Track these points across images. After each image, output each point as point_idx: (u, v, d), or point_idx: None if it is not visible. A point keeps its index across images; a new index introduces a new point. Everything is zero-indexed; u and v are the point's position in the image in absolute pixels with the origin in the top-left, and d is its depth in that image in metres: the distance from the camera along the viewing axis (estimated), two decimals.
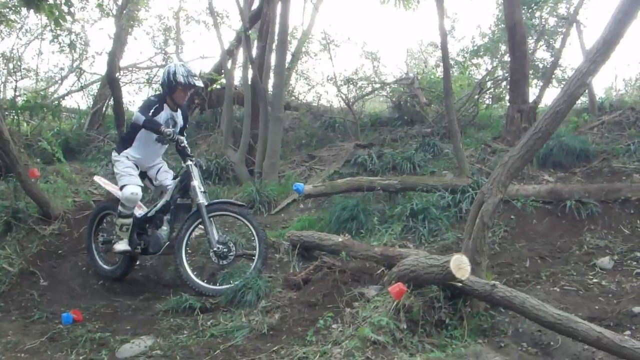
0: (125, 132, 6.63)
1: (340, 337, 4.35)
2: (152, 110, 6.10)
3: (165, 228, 6.36)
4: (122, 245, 6.36)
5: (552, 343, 4.37)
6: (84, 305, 6.09)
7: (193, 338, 4.90)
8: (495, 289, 4.34)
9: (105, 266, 6.78)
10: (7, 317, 5.92)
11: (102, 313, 5.94)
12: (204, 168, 6.75)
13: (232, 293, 5.56)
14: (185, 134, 6.64)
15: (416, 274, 4.58)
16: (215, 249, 5.96)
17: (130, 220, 6.35)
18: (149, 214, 6.47)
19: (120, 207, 6.26)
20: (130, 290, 6.56)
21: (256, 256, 5.93)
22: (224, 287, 5.81)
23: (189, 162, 6.15)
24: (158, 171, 6.61)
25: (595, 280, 5.61)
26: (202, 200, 6.00)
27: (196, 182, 6.08)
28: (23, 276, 6.75)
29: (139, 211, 6.56)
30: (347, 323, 4.58)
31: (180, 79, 6.14)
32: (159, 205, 6.42)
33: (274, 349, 4.41)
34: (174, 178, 6.47)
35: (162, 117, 6.24)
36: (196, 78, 6.31)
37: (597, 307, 4.97)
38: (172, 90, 6.24)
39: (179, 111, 6.48)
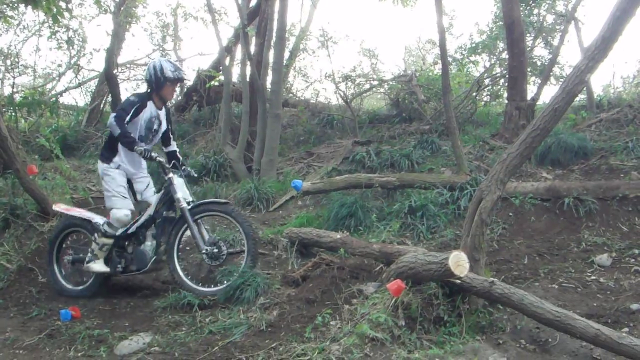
0: (107, 139, 6.26)
1: (338, 333, 4.36)
2: (130, 114, 5.83)
3: (149, 243, 6.14)
4: (99, 266, 6.11)
5: (550, 340, 4.37)
6: (82, 302, 6.08)
7: (191, 335, 4.90)
8: (493, 285, 4.35)
9: (69, 286, 6.48)
10: (5, 313, 5.92)
11: (100, 310, 5.95)
12: (193, 176, 6.53)
13: (229, 291, 5.56)
14: (172, 135, 6.49)
15: (415, 271, 4.59)
16: (204, 251, 5.87)
17: (112, 241, 6.14)
18: (130, 231, 6.18)
19: (106, 227, 6.05)
20: (129, 287, 6.55)
21: (245, 253, 5.88)
22: (217, 288, 5.79)
23: (170, 175, 5.96)
24: (146, 187, 6.35)
25: (593, 277, 5.62)
26: (184, 204, 5.86)
27: (179, 194, 5.90)
28: (21, 273, 6.76)
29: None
30: (345, 320, 4.58)
31: (169, 74, 5.94)
32: (141, 220, 6.18)
33: (273, 345, 4.41)
34: (158, 192, 6.29)
35: (144, 116, 6.01)
36: (182, 71, 6.17)
37: (595, 304, 4.98)
38: (160, 86, 6.01)
39: (164, 110, 6.27)
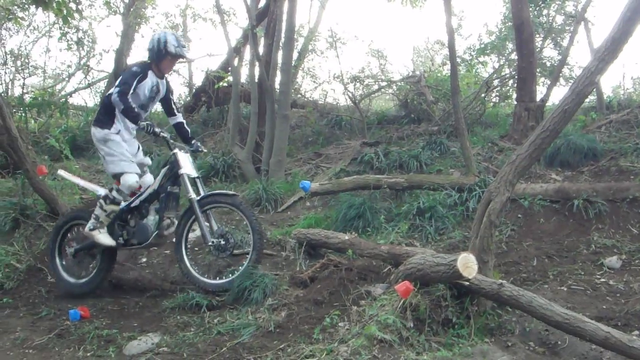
0: (104, 105, 6.16)
1: (346, 335, 4.35)
2: (133, 86, 5.83)
3: (152, 217, 6.15)
4: (105, 237, 6.08)
5: (559, 342, 4.35)
6: (91, 302, 6.11)
7: (200, 335, 4.91)
8: (502, 288, 4.33)
9: (71, 279, 6.46)
10: (15, 313, 5.96)
11: (109, 310, 5.97)
12: (201, 151, 6.61)
13: (237, 290, 5.57)
14: (175, 105, 6.51)
15: (423, 273, 4.58)
16: (210, 242, 5.84)
17: (119, 208, 6.11)
18: (133, 204, 6.18)
19: (114, 193, 5.99)
20: (137, 287, 6.57)
21: (251, 247, 5.87)
22: (224, 281, 5.81)
23: (175, 150, 5.99)
24: (137, 150, 6.34)
25: (603, 279, 5.59)
26: (193, 195, 5.86)
27: (184, 170, 5.92)
28: (31, 272, 6.80)
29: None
30: (353, 321, 4.58)
31: (171, 49, 5.94)
32: (145, 194, 6.17)
33: (281, 346, 4.41)
34: (163, 166, 6.27)
35: (147, 85, 6.03)
36: (185, 49, 6.16)
37: (604, 307, 4.95)
38: (160, 58, 6.03)
39: (164, 79, 6.28)
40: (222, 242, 5.87)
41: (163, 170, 6.16)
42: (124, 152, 6.02)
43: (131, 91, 5.82)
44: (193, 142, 6.43)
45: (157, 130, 5.85)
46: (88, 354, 4.74)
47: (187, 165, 5.99)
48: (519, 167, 4.86)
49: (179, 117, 6.54)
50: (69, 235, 6.66)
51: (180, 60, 6.32)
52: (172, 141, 6.08)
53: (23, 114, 11.87)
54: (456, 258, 4.26)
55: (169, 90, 6.43)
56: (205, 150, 6.86)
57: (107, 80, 16.00)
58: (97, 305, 6.05)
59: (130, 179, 5.95)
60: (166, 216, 6.13)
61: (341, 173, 9.55)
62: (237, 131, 11.15)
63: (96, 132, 6.08)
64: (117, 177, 6.03)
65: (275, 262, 6.49)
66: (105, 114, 6.07)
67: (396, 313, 4.37)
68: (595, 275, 5.71)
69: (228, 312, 5.36)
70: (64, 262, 6.56)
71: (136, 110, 5.83)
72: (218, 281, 5.86)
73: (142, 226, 6.15)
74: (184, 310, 5.61)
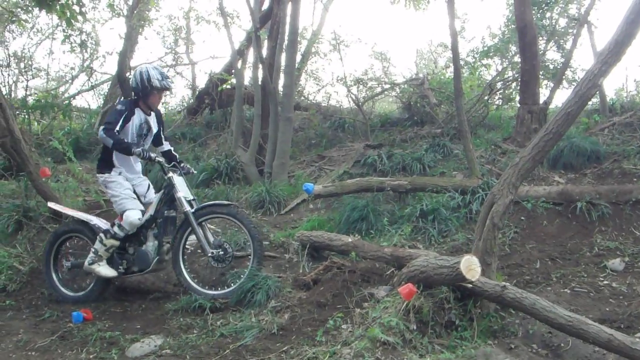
0: (102, 152, 6.21)
1: (349, 337, 4.36)
2: (119, 124, 5.83)
3: (151, 243, 6.13)
4: (105, 269, 6.06)
5: (562, 345, 4.35)
6: (94, 304, 6.11)
7: (203, 337, 4.91)
8: (505, 290, 4.33)
9: (69, 293, 6.44)
10: (18, 315, 5.97)
11: (112, 312, 5.97)
12: (192, 172, 6.65)
13: (241, 294, 5.58)
14: (163, 135, 6.49)
15: (426, 275, 4.58)
16: (210, 254, 5.88)
17: (119, 243, 6.09)
18: (130, 232, 6.12)
19: (116, 229, 5.98)
20: (140, 289, 6.58)
21: (251, 255, 5.89)
22: (224, 291, 5.82)
23: (170, 174, 6.00)
24: (147, 189, 6.35)
25: (606, 282, 5.59)
26: (187, 207, 5.88)
27: (181, 193, 5.93)
28: (34, 275, 6.80)
29: None
30: (356, 323, 4.58)
31: (156, 83, 5.93)
32: (142, 220, 6.13)
33: (284, 349, 4.42)
34: (158, 191, 6.28)
35: (134, 123, 6.03)
36: (169, 80, 6.17)
37: (608, 309, 4.95)
38: (147, 94, 6.01)
39: (153, 114, 6.27)
40: (221, 253, 5.89)
41: (158, 195, 6.17)
42: (125, 191, 6.03)
43: (117, 128, 5.82)
44: (182, 164, 6.40)
45: (152, 155, 5.90)
46: (91, 356, 4.75)
47: (183, 188, 6.01)
48: (522, 169, 4.86)
49: (167, 146, 6.53)
50: (63, 247, 6.66)
51: (167, 92, 6.34)
52: (167, 165, 6.12)
53: (26, 116, 11.89)
54: (459, 260, 4.27)
55: (160, 124, 6.44)
56: (195, 172, 6.93)
57: (110, 82, 16.04)
58: (100, 308, 6.06)
59: (132, 216, 5.93)
60: (165, 241, 6.11)
61: (344, 175, 9.54)
62: (241, 134, 11.15)
63: (99, 177, 6.16)
64: (121, 213, 6.04)
65: (279, 265, 6.49)
66: (104, 159, 6.12)
67: (399, 315, 4.37)
68: (598, 277, 5.71)
69: (231, 315, 5.37)
70: (59, 275, 6.54)
71: (126, 141, 5.86)
72: (219, 291, 5.86)
73: (142, 253, 6.14)
74: (186, 312, 5.62)
